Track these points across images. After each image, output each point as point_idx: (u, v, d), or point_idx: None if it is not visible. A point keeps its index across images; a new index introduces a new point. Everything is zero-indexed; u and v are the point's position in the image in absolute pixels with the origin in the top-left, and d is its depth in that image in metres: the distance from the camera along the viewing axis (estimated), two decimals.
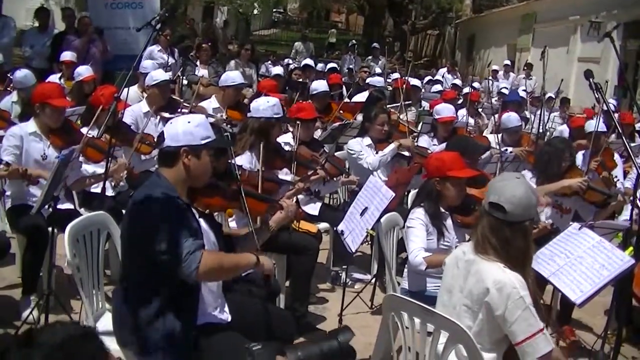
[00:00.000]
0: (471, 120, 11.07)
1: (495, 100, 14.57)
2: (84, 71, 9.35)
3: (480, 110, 12.37)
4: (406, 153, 7.63)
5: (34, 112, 5.98)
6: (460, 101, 12.66)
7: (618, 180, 7.62)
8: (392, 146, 7.49)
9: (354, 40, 25.08)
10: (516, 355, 3.70)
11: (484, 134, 10.21)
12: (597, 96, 5.32)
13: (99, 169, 6.21)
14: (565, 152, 6.58)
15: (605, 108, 7.49)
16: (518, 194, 3.64)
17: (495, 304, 3.58)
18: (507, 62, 22.00)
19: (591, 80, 5.10)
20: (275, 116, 6.07)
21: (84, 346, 1.80)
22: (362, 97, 11.72)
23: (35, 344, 1.73)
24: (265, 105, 6.07)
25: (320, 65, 16.07)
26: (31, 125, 5.94)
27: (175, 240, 3.50)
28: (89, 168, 6.35)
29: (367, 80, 13.40)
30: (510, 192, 3.64)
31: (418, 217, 5.14)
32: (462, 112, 10.83)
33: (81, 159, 6.12)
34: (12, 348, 1.75)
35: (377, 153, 7.51)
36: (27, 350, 1.72)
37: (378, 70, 17.25)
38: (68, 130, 6.11)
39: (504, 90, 15.01)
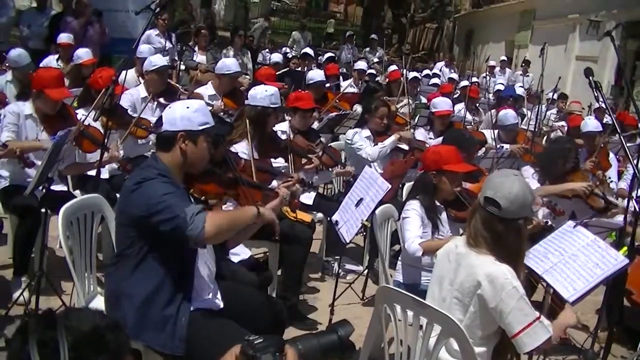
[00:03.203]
0: (469, 117, 11.07)
1: (492, 96, 14.57)
2: (83, 54, 9.33)
3: (477, 105, 12.36)
4: (403, 146, 7.62)
5: (32, 95, 5.95)
6: (456, 95, 12.66)
7: (612, 181, 7.61)
8: (392, 138, 7.49)
9: (351, 31, 25.02)
10: (506, 349, 3.71)
11: (480, 130, 10.20)
12: (596, 95, 5.29)
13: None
14: (570, 152, 6.56)
15: (603, 106, 7.47)
16: (514, 191, 3.62)
17: (489, 296, 3.57)
18: (504, 57, 21.95)
19: (591, 78, 5.08)
20: (271, 106, 6.04)
21: (111, 337, 1.76)
22: (347, 84, 11.80)
23: (61, 327, 1.68)
24: (263, 94, 6.04)
25: (319, 56, 16.10)
26: (28, 107, 5.91)
27: (177, 207, 3.49)
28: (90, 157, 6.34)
29: (355, 67, 13.52)
30: (507, 188, 3.63)
31: (414, 208, 5.13)
32: (460, 106, 10.82)
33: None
34: (33, 326, 1.71)
35: (376, 145, 7.50)
36: (51, 333, 1.67)
37: (376, 60, 17.28)
38: (64, 117, 6.07)
39: (500, 87, 15.00)
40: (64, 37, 10.52)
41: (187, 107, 3.83)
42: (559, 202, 6.51)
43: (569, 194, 6.41)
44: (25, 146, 5.63)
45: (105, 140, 5.62)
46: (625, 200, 5.29)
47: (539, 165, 6.72)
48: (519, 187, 3.66)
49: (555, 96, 13.24)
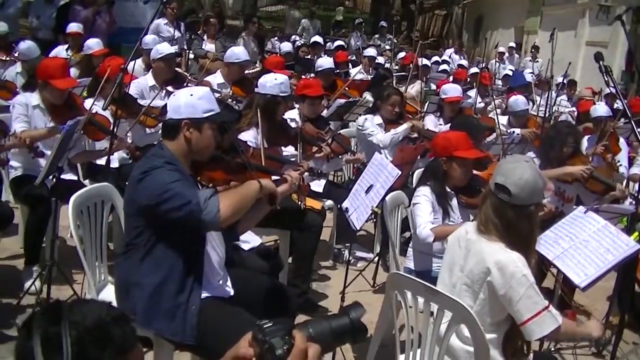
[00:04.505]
0: (482, 104, 11.07)
1: (500, 82, 14.53)
2: (94, 45, 9.34)
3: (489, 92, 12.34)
4: (414, 134, 7.60)
5: (38, 85, 5.96)
6: (468, 81, 12.65)
7: (621, 165, 7.58)
8: (405, 126, 7.46)
9: (360, 19, 24.94)
10: (516, 336, 3.70)
11: (489, 115, 10.18)
12: (606, 79, 5.25)
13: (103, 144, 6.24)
14: (568, 136, 6.52)
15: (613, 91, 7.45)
16: (525, 177, 3.58)
17: (498, 284, 3.55)
18: (512, 44, 21.84)
19: (601, 63, 5.04)
20: (281, 94, 6.03)
21: (116, 330, 1.75)
22: (356, 70, 11.78)
23: (65, 322, 1.68)
24: (272, 82, 6.03)
25: (328, 44, 16.06)
26: (35, 98, 5.92)
27: (188, 193, 3.50)
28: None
29: (364, 54, 13.54)
30: (517, 174, 3.59)
31: (424, 194, 5.12)
32: (473, 93, 10.81)
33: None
34: (37, 320, 1.71)
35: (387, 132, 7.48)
36: (55, 328, 1.66)
37: (387, 48, 17.27)
38: (71, 106, 6.08)
39: (508, 72, 14.94)
40: (74, 27, 10.53)
41: (191, 95, 3.82)
42: (567, 189, 6.51)
43: (568, 179, 6.40)
44: (36, 134, 5.65)
45: (115, 129, 5.62)
46: (635, 185, 5.28)
47: (539, 151, 6.71)
48: (530, 173, 3.62)
49: (565, 81, 13.20)
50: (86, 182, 6.26)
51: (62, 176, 5.27)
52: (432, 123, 8.32)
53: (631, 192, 6.71)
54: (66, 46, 10.31)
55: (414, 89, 9.82)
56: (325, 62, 9.92)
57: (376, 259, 6.74)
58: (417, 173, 6.38)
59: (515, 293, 3.52)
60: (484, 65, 13.14)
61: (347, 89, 9.59)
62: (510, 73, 14.75)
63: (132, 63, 5.95)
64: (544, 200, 5.76)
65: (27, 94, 6.03)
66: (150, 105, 6.79)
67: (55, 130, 5.63)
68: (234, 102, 7.85)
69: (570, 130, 6.70)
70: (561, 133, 6.55)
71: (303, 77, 9.61)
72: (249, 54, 9.32)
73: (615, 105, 9.97)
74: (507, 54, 20.07)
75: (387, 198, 5.29)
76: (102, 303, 1.84)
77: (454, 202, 5.22)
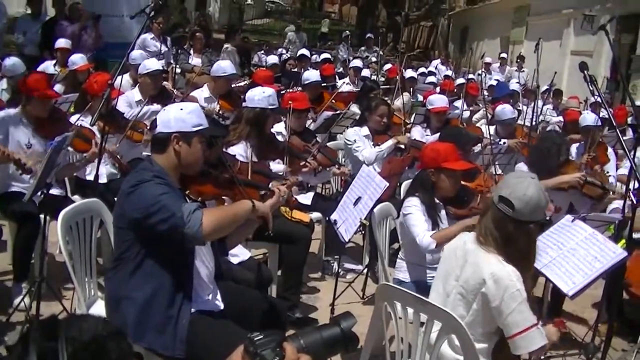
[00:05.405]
0: (468, 112, 11.10)
1: (486, 92, 14.57)
2: (78, 60, 9.33)
3: (477, 102, 12.37)
4: (401, 146, 7.61)
5: (21, 100, 5.95)
6: (455, 92, 12.68)
7: (610, 175, 7.60)
8: (389, 142, 7.45)
9: (347, 31, 25.02)
10: (507, 347, 3.70)
11: (476, 125, 10.21)
12: (591, 89, 5.30)
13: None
14: (562, 146, 6.57)
15: (599, 100, 7.47)
16: (529, 193, 3.59)
17: (492, 295, 3.57)
18: (504, 55, 21.94)
19: (586, 72, 5.08)
20: (270, 107, 6.06)
21: (112, 346, 1.75)
22: (342, 82, 11.80)
23: (62, 338, 1.67)
24: (260, 96, 6.07)
25: (314, 56, 16.08)
26: (19, 113, 5.91)
27: (173, 206, 3.51)
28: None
29: (350, 65, 13.59)
30: (522, 190, 3.60)
31: (414, 204, 5.11)
32: (459, 103, 10.84)
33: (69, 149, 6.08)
34: (34, 335, 1.71)
35: (374, 145, 7.48)
36: (51, 343, 1.66)
37: (374, 59, 17.32)
38: (56, 120, 6.07)
39: (493, 83, 14.97)
40: (62, 42, 10.52)
41: (181, 109, 3.85)
42: (555, 199, 6.52)
43: (565, 186, 6.43)
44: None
45: (103, 145, 5.61)
46: (624, 186, 5.31)
47: (531, 162, 6.73)
48: (535, 190, 3.62)
49: (551, 89, 13.25)
50: (75, 197, 6.24)
51: (50, 192, 5.26)
52: (419, 134, 8.32)
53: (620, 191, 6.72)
54: (54, 62, 10.29)
55: (398, 100, 9.85)
56: (312, 75, 9.95)
57: (365, 270, 6.73)
58: (405, 184, 6.39)
59: (507, 306, 3.53)
60: (470, 76, 13.16)
61: (334, 101, 9.61)
62: (495, 83, 14.79)
63: (119, 78, 5.94)
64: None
65: (10, 109, 6.01)
66: (136, 118, 6.79)
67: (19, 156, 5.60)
68: (220, 117, 7.85)
69: (563, 140, 6.76)
70: (556, 143, 6.58)
71: (290, 90, 9.61)
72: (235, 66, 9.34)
73: (601, 115, 10.02)
74: (499, 64, 20.14)
75: (375, 210, 5.30)
76: (98, 318, 1.83)
77: (443, 213, 5.22)
